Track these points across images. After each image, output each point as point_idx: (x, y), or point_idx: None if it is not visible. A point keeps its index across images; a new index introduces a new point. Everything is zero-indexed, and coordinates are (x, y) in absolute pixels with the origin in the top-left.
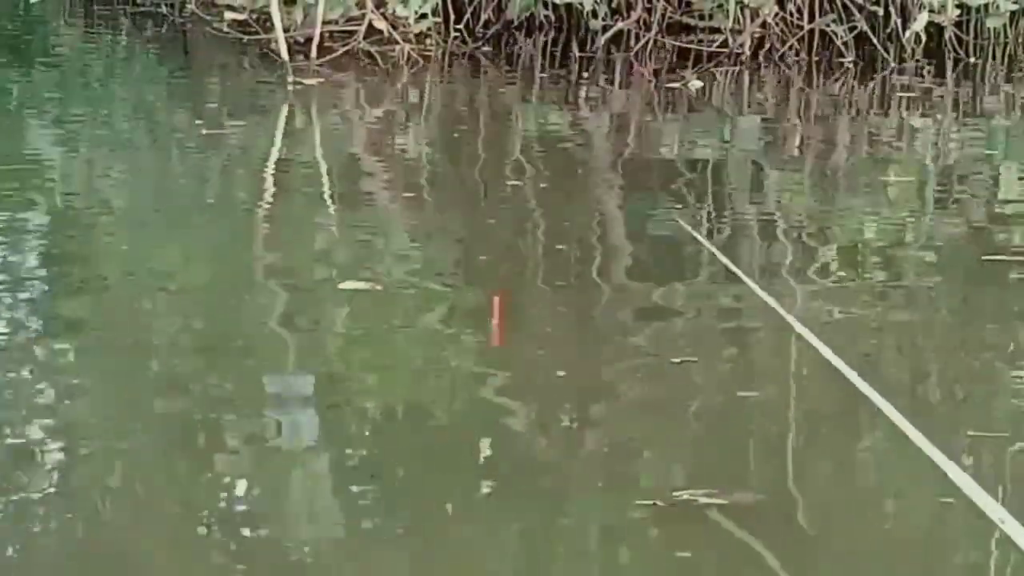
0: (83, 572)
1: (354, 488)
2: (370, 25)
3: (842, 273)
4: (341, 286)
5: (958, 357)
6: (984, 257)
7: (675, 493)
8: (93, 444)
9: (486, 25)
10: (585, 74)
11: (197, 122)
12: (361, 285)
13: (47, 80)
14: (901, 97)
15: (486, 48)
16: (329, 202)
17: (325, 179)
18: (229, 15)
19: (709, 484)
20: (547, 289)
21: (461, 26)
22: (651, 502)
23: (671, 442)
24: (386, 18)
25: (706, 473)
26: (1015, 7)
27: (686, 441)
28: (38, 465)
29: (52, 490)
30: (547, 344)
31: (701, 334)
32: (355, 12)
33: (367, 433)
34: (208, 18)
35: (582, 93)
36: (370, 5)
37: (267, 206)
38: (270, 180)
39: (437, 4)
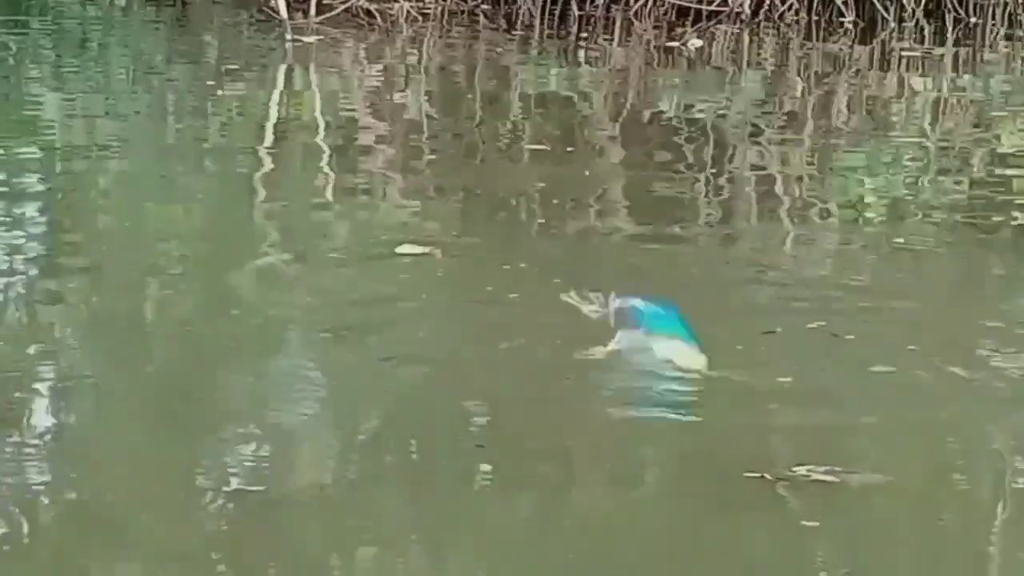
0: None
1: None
2: None
3: (841, 232)
4: (398, 250)
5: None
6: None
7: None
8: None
9: None
10: (584, 33)
11: (197, 80)
12: (416, 249)
13: (45, 40)
14: (901, 57)
15: (485, 6)
16: (326, 161)
17: (325, 136)
18: None
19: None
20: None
21: None
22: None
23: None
24: None
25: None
26: None
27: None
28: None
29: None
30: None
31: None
32: None
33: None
34: None
35: (581, 52)
36: None
37: (269, 164)
38: (272, 137)
39: None
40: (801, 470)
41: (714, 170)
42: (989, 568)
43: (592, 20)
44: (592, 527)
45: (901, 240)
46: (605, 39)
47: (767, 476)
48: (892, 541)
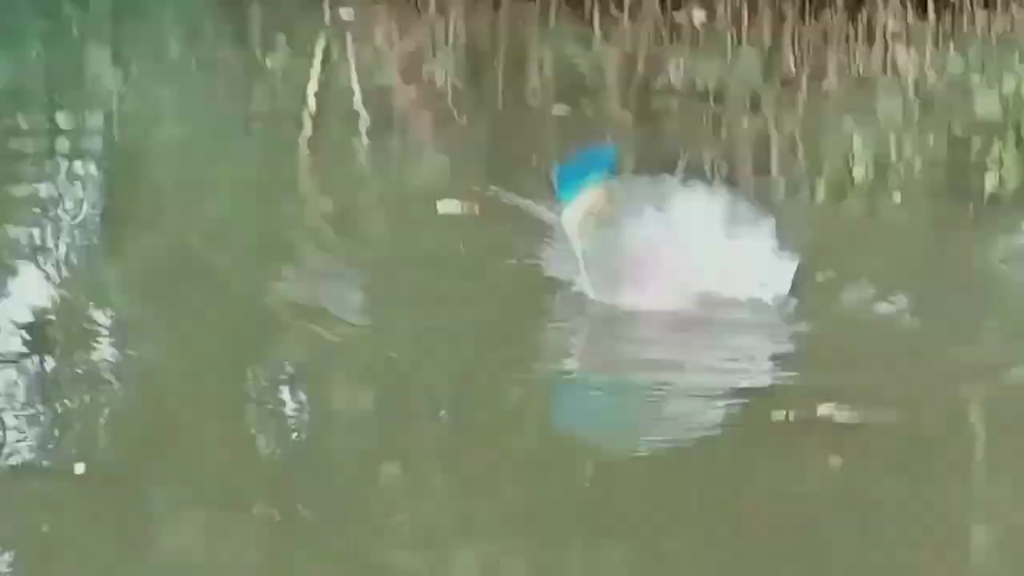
0: None
1: None
2: None
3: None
4: (440, 211)
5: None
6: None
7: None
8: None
9: None
10: (599, 5)
11: (236, 52)
12: (458, 208)
13: (105, 9)
14: (885, 27)
15: None
16: (364, 131)
17: (363, 106)
18: None
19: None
20: None
21: None
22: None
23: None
24: None
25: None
26: None
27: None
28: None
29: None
30: None
31: None
32: None
33: None
34: None
35: (595, 21)
36: None
37: (313, 135)
38: (315, 107)
39: None
40: (824, 409)
41: (724, 133)
42: (1016, 509)
43: None
44: (604, 470)
45: (890, 195)
46: (616, 12)
47: (791, 418)
48: (914, 480)
